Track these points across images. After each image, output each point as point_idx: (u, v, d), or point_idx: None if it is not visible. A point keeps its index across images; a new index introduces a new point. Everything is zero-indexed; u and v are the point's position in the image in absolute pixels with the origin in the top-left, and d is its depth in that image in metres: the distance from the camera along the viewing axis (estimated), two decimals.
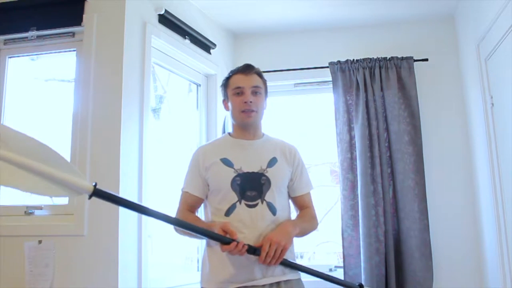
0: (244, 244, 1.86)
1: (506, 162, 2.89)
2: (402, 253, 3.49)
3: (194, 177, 2.14)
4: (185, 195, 2.15)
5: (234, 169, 2.07)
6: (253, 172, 2.07)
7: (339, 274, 3.59)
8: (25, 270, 2.61)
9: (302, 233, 2.12)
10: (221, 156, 2.11)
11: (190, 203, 2.14)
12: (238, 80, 2.16)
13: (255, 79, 2.16)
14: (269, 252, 1.90)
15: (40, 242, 2.64)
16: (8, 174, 1.43)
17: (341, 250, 3.59)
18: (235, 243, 1.84)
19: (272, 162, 2.12)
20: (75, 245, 2.63)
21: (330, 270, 3.75)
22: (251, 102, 2.11)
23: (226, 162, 2.08)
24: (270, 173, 2.08)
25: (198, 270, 3.50)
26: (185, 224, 1.95)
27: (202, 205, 2.20)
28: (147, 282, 2.76)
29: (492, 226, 3.15)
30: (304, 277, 2.16)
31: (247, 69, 2.18)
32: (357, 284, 2.18)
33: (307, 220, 2.19)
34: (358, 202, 3.56)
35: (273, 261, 1.92)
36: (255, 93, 2.13)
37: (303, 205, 2.24)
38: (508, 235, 2.89)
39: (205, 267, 2.11)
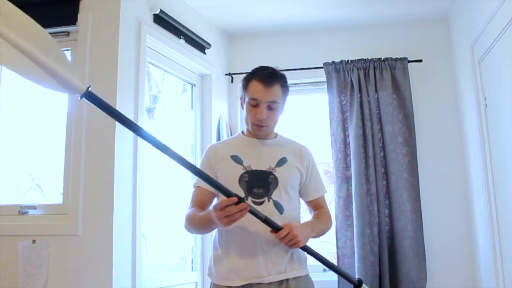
0: (248, 206, 1.80)
1: (499, 162, 2.91)
2: (396, 253, 3.50)
3: (206, 172, 2.13)
4: (197, 191, 2.14)
5: (243, 166, 2.07)
6: (261, 170, 2.07)
7: (333, 274, 3.57)
8: (19, 270, 2.60)
9: (318, 235, 2.14)
10: (231, 153, 2.12)
11: (201, 199, 2.11)
12: (257, 90, 2.07)
13: (273, 93, 2.07)
14: (284, 239, 1.92)
15: (34, 241, 2.63)
16: (6, 53, 1.45)
17: (335, 250, 3.60)
18: (235, 198, 1.77)
19: (282, 161, 2.11)
20: (69, 244, 2.62)
21: (324, 270, 3.74)
22: (263, 118, 2.07)
23: (236, 159, 2.09)
24: (278, 172, 2.08)
25: (192, 270, 3.50)
26: (188, 164, 1.84)
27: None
28: (141, 282, 2.75)
29: (485, 226, 3.17)
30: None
31: (269, 81, 2.07)
32: (356, 279, 2.18)
33: (323, 221, 2.20)
34: (352, 202, 3.57)
35: (287, 244, 1.95)
36: (270, 108, 2.08)
37: (317, 206, 2.25)
38: (501, 235, 2.91)
39: (211, 261, 2.11)
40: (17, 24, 1.49)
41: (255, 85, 2.08)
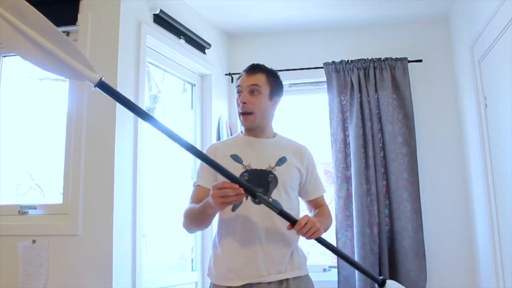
0: (244, 193, 1.78)
1: (499, 162, 2.91)
2: (396, 253, 3.50)
3: (206, 171, 2.11)
4: (197, 189, 2.13)
5: (243, 165, 2.07)
6: (261, 169, 2.07)
7: (333, 274, 3.60)
8: (19, 270, 2.60)
9: (323, 230, 2.10)
10: (231, 152, 2.11)
11: (201, 198, 2.07)
12: (240, 79, 2.17)
13: (254, 78, 2.12)
14: (304, 228, 1.88)
15: (34, 241, 2.63)
16: (18, 42, 1.61)
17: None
18: (237, 186, 1.76)
19: (281, 161, 2.11)
20: (69, 244, 2.62)
21: (324, 270, 3.76)
22: (244, 103, 2.09)
23: (236, 158, 2.09)
24: (278, 171, 2.08)
25: (192, 270, 3.50)
26: (194, 149, 1.86)
27: None
28: (141, 281, 2.75)
29: (485, 226, 3.17)
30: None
31: (250, 69, 2.17)
32: (380, 278, 2.15)
33: (326, 218, 2.20)
34: (352, 202, 3.57)
35: (307, 234, 1.90)
36: (252, 92, 2.10)
37: (317, 205, 2.26)
38: (501, 235, 2.91)
39: (211, 261, 2.11)
40: (31, 19, 1.61)
41: (241, 77, 2.18)
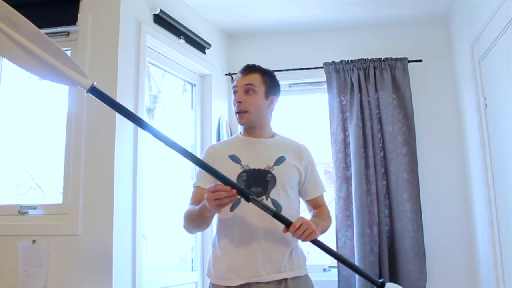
0: (233, 189, 1.79)
1: (499, 162, 2.91)
2: (396, 253, 3.50)
3: (206, 172, 2.12)
4: (197, 190, 2.15)
5: (241, 165, 2.08)
6: (259, 169, 2.08)
7: (333, 274, 3.60)
8: (19, 270, 2.60)
9: (321, 232, 2.11)
10: (230, 153, 2.13)
11: (200, 199, 2.06)
12: (236, 80, 2.20)
13: (249, 78, 2.15)
14: (298, 230, 1.88)
15: (34, 241, 2.63)
16: (13, 51, 1.70)
17: (335, 250, 3.59)
18: (229, 187, 1.78)
19: (280, 160, 2.12)
20: (69, 244, 2.61)
21: (324, 270, 3.76)
22: (239, 102, 2.12)
23: (234, 159, 2.10)
24: (276, 171, 2.08)
25: (192, 270, 3.50)
26: (190, 155, 1.89)
27: None
28: (141, 282, 2.75)
29: (485, 225, 3.17)
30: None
31: (245, 69, 2.20)
32: (380, 280, 2.15)
33: (325, 219, 2.20)
34: (352, 202, 3.57)
35: (301, 236, 1.90)
36: (247, 91, 2.13)
37: (316, 205, 2.26)
38: (501, 235, 2.91)
39: (210, 261, 2.12)
40: (24, 29, 1.68)
41: (237, 78, 2.21)
